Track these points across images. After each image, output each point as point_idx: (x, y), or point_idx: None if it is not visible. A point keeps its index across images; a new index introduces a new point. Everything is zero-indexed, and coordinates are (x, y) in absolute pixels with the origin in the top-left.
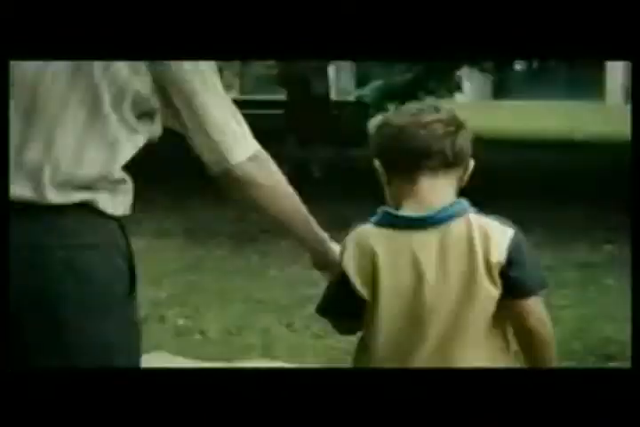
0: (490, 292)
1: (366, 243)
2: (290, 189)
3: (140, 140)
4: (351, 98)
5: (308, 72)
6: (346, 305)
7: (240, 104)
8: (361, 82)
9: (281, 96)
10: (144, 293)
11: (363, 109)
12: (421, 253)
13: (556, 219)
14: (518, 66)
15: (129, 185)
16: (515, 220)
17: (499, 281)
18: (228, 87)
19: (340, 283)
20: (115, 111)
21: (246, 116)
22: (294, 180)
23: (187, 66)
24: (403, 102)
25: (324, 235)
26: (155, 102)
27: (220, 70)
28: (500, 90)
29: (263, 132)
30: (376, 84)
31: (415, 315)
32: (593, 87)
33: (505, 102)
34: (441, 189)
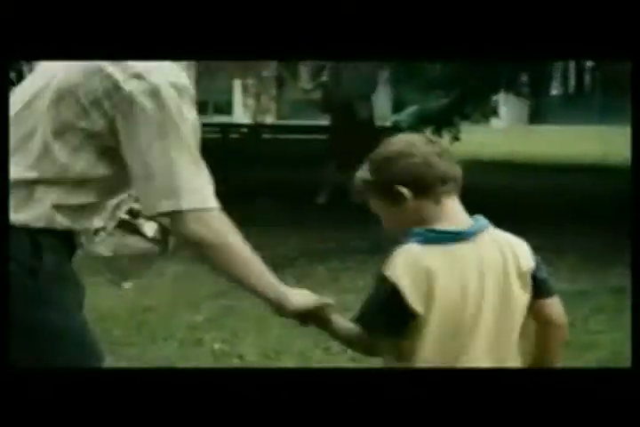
0: (522, 298)
1: (418, 262)
2: (242, 245)
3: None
4: (388, 123)
5: (353, 98)
6: (394, 320)
7: (278, 129)
8: (397, 107)
9: (319, 121)
10: (181, 316)
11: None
12: (465, 265)
13: (591, 243)
14: (555, 91)
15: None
16: (550, 244)
17: (530, 286)
18: (264, 111)
19: (390, 299)
20: (56, 139)
21: (285, 141)
22: (332, 205)
23: (149, 109)
24: (439, 127)
25: (277, 282)
26: (109, 141)
27: (258, 95)
28: (537, 115)
29: (303, 157)
30: (412, 109)
31: (460, 327)
32: (628, 113)
33: (541, 127)
34: (459, 207)
